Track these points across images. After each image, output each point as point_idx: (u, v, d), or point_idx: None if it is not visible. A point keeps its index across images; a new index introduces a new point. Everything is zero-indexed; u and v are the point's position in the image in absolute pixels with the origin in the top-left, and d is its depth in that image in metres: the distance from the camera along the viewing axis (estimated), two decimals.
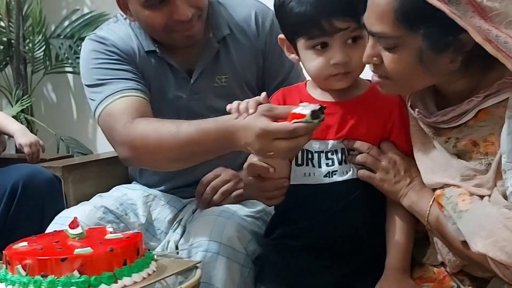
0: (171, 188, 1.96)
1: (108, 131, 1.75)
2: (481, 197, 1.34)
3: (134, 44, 1.86)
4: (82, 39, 3.83)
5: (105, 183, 2.08)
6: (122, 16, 1.89)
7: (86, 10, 3.98)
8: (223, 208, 1.73)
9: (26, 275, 1.25)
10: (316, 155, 1.53)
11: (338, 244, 1.53)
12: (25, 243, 1.35)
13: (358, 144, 1.52)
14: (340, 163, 1.53)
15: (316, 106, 1.39)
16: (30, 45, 3.96)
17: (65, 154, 3.43)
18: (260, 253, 1.68)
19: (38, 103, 4.13)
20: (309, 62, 1.51)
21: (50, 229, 1.73)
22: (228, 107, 1.50)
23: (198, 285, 1.37)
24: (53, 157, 2.84)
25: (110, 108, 1.74)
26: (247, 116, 1.45)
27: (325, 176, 1.53)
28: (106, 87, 1.78)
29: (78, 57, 3.76)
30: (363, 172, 1.52)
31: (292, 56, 1.57)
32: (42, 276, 1.23)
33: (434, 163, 1.42)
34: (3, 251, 1.32)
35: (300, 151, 1.53)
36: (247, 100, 1.49)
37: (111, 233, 1.39)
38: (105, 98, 1.76)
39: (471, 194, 1.35)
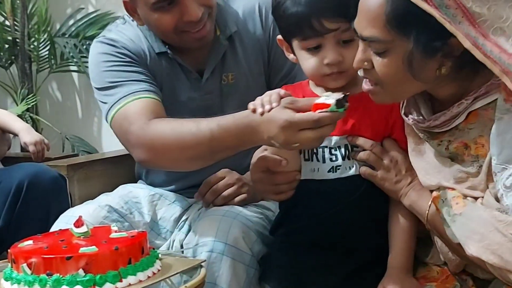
0: (178, 189, 1.96)
1: (123, 134, 1.72)
2: (475, 199, 1.34)
3: (144, 46, 1.84)
4: (87, 38, 3.87)
5: (110, 182, 2.09)
6: (129, 17, 1.87)
7: (91, 9, 3.99)
8: (228, 208, 1.73)
9: (32, 274, 1.25)
10: (320, 150, 1.54)
11: (343, 241, 1.53)
12: (30, 242, 1.36)
13: (361, 141, 1.53)
14: (343, 159, 1.54)
15: (340, 95, 1.40)
16: (35, 43, 3.98)
17: (70, 153, 3.45)
18: (265, 253, 1.68)
19: (43, 102, 4.14)
20: (304, 62, 1.53)
21: (55, 227, 1.73)
22: (251, 105, 1.49)
23: (202, 284, 1.37)
24: (58, 156, 2.84)
25: (124, 111, 1.71)
26: (270, 109, 1.45)
27: (329, 171, 1.54)
28: (119, 89, 1.75)
29: (83, 56, 3.85)
30: (365, 170, 1.53)
31: (291, 56, 1.59)
32: (47, 275, 1.24)
33: (429, 166, 1.43)
34: (9, 250, 1.33)
35: None
36: (268, 93, 1.49)
37: (116, 232, 1.39)
38: (118, 100, 1.73)
39: (465, 197, 1.35)
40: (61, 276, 1.23)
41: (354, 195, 1.53)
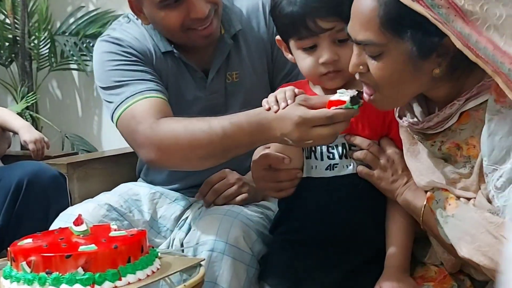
0: (179, 189, 1.96)
1: (130, 133, 1.70)
2: (468, 199, 1.34)
3: (149, 45, 1.83)
4: (87, 36, 3.87)
5: (110, 180, 2.09)
6: (134, 16, 1.86)
7: (91, 7, 3.99)
8: (229, 208, 1.73)
9: (31, 272, 1.25)
10: (318, 148, 1.55)
11: (341, 239, 1.54)
12: (29, 240, 1.36)
13: (358, 140, 1.53)
14: (340, 157, 1.55)
15: (354, 92, 1.40)
16: (36, 42, 3.98)
17: (70, 151, 3.45)
18: (266, 253, 1.68)
19: (43, 100, 4.14)
20: (301, 61, 1.54)
21: (54, 226, 1.73)
22: (265, 103, 1.49)
23: (202, 283, 1.37)
24: (58, 154, 2.84)
25: (131, 110, 1.70)
26: (285, 106, 1.45)
27: (326, 169, 1.55)
28: (125, 88, 1.73)
29: (83, 54, 3.86)
30: (361, 169, 1.53)
31: (290, 56, 1.60)
32: (47, 273, 1.24)
33: (423, 166, 1.43)
34: (8, 248, 1.33)
35: None
36: (282, 90, 1.49)
37: (115, 230, 1.39)
38: (125, 100, 1.72)
39: (458, 198, 1.35)
40: (60, 274, 1.23)
41: (352, 193, 1.53)
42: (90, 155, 2.58)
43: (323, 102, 1.41)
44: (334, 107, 1.39)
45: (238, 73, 1.87)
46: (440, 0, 1.21)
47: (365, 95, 1.40)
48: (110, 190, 1.96)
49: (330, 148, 1.55)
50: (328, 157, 1.55)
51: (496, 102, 1.25)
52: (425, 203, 1.41)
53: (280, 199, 1.65)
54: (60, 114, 4.14)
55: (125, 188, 1.94)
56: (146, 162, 1.76)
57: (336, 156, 1.54)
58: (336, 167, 1.54)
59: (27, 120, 3.28)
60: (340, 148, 1.55)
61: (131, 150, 1.81)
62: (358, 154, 1.53)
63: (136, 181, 2.07)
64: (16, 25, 3.95)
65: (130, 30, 1.85)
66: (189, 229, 1.81)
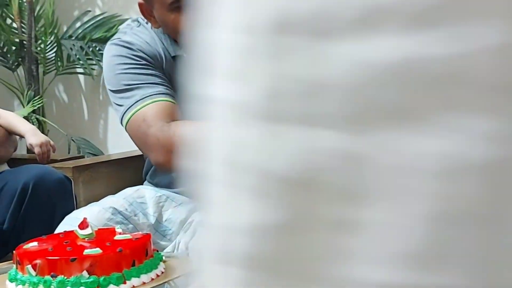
0: (185, 192, 1.96)
1: (140, 136, 1.72)
2: None
3: (159, 49, 1.83)
4: (94, 40, 3.88)
5: (116, 184, 2.09)
6: (144, 20, 1.86)
7: (98, 12, 4.00)
8: None
9: (36, 275, 1.26)
10: None
11: None
12: (35, 243, 1.36)
13: None
14: None
15: None
16: (42, 46, 3.98)
17: (76, 154, 3.45)
18: None
19: (49, 104, 4.15)
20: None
21: (60, 229, 1.73)
22: None
23: None
24: (63, 157, 2.84)
25: (141, 113, 1.71)
26: None
27: None
28: (135, 92, 1.75)
29: (90, 58, 3.87)
30: None
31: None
32: (52, 276, 1.24)
33: None
34: (14, 251, 1.33)
35: None
36: None
37: (120, 234, 1.39)
38: (135, 103, 1.73)
39: None
40: (65, 277, 1.23)
41: None
42: (96, 159, 2.59)
43: None
44: None
45: None
46: None
47: None
48: (115, 193, 1.95)
49: None
50: None
51: None
52: None
53: None
54: (66, 117, 4.15)
55: (130, 191, 1.94)
56: (156, 165, 1.76)
57: None
58: None
59: (33, 124, 3.29)
60: None
61: (137, 153, 1.81)
62: None
63: (142, 184, 2.07)
64: (22, 29, 3.96)
65: (140, 34, 1.86)
66: (195, 233, 1.81)
